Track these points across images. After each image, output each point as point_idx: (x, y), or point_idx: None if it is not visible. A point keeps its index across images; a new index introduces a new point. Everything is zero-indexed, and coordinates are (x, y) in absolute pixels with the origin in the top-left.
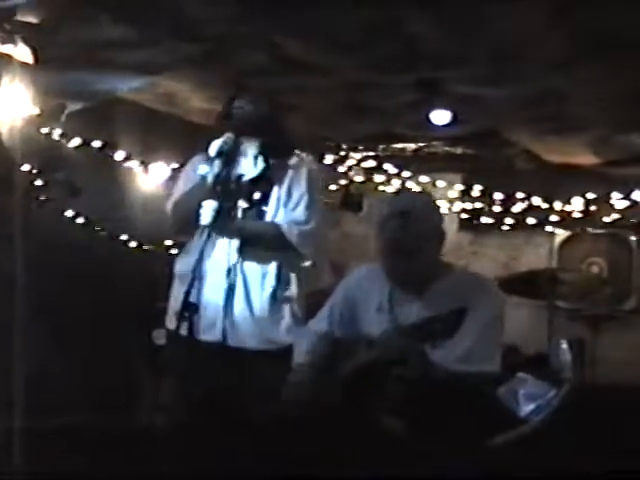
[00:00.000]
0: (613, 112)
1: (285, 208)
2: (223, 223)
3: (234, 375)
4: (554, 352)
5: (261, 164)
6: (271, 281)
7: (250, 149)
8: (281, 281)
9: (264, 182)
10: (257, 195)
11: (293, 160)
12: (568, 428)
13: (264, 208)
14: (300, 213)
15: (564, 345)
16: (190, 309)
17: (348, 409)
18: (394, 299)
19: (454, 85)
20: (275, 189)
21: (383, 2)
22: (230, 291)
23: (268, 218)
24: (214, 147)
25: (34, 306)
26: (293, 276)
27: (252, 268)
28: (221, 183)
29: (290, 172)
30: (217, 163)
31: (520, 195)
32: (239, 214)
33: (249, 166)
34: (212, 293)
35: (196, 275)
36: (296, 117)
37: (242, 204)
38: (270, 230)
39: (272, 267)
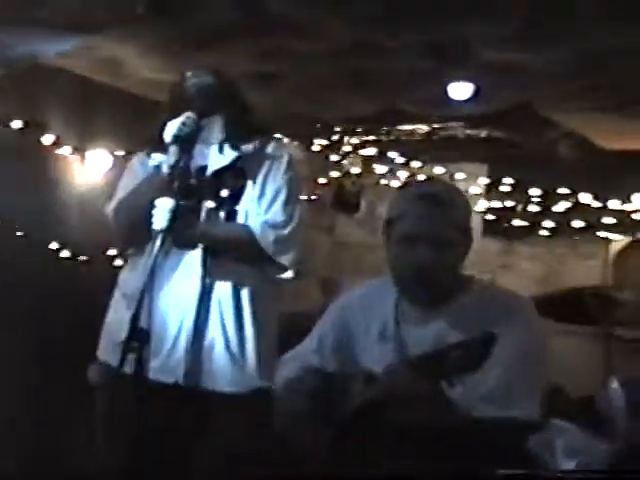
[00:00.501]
0: None
1: (258, 206)
2: (182, 228)
3: (196, 424)
4: (603, 394)
5: (230, 151)
6: (245, 302)
7: (216, 132)
8: (257, 301)
9: (235, 174)
10: (226, 191)
11: (271, 146)
12: None
13: (235, 207)
14: (277, 212)
15: (614, 385)
16: (139, 338)
17: (341, 463)
18: (402, 322)
19: (478, 48)
20: (249, 183)
21: None
22: (191, 315)
23: (241, 220)
24: (170, 130)
25: None
26: (271, 294)
27: (220, 286)
28: (179, 176)
29: (267, 161)
30: (174, 150)
31: (563, 191)
32: (203, 216)
33: (215, 154)
34: (167, 318)
35: (146, 295)
36: (277, 90)
37: (207, 203)
38: (240, 235)
39: (245, 283)
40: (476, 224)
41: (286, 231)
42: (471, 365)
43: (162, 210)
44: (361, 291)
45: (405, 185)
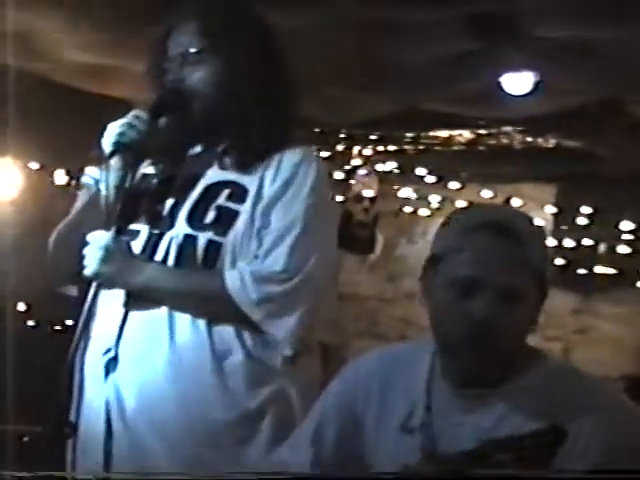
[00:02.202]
0: None
1: (257, 244)
2: (119, 272)
3: None
4: None
5: (227, 162)
6: (213, 374)
7: (202, 136)
8: (228, 375)
9: (229, 191)
10: (211, 214)
11: (292, 155)
12: None
13: (218, 238)
14: (278, 257)
15: None
16: (67, 435)
17: None
18: (435, 409)
19: (541, 26)
20: (248, 203)
21: None
22: (128, 394)
23: (226, 258)
24: (109, 136)
25: None
26: (253, 366)
27: (178, 347)
28: (125, 198)
29: (282, 176)
30: (115, 164)
31: None
32: (169, 252)
33: (195, 164)
34: (102, 401)
35: (75, 368)
36: None
37: (178, 231)
38: (205, 286)
39: (216, 348)
40: None
41: (283, 288)
42: (535, 465)
43: (94, 248)
44: (373, 362)
45: (450, 217)
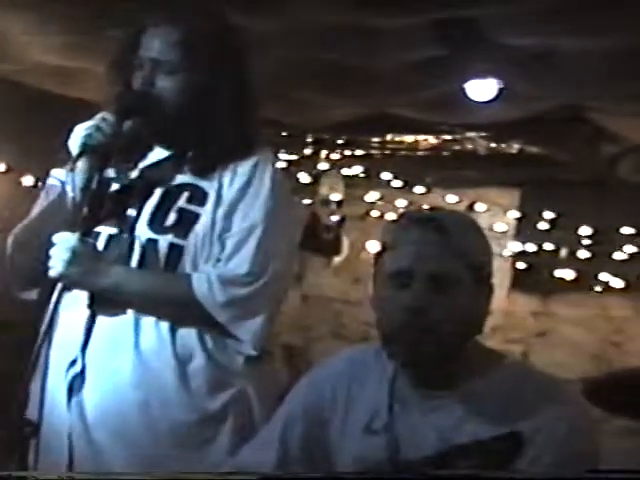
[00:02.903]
0: None
1: (219, 246)
2: (85, 274)
3: None
4: None
5: (183, 162)
6: (175, 376)
7: (163, 139)
8: (191, 377)
9: (188, 194)
10: (172, 216)
11: (248, 160)
12: None
13: (179, 241)
14: (241, 260)
15: None
16: (26, 432)
17: None
18: (398, 410)
19: (504, 33)
20: (208, 206)
21: None
22: (95, 396)
23: (187, 260)
24: (76, 138)
25: None
26: (217, 368)
27: (142, 349)
28: (90, 200)
29: (240, 179)
30: (82, 166)
31: (627, 230)
32: (131, 254)
33: (157, 169)
34: (63, 402)
35: (36, 371)
36: None
37: (138, 234)
38: (172, 288)
39: (180, 351)
40: (503, 275)
41: (248, 290)
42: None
43: (60, 249)
44: (341, 363)
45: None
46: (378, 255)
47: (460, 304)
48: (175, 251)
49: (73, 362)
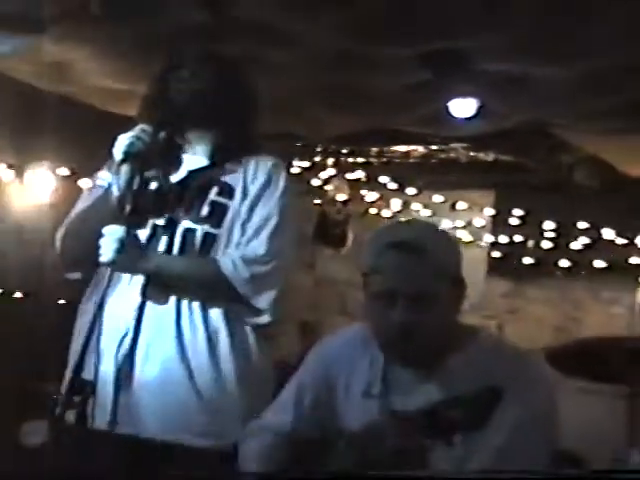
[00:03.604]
0: None
1: (241, 234)
2: (132, 259)
3: None
4: (624, 466)
5: (214, 167)
6: (207, 344)
7: (194, 145)
8: (221, 345)
9: (218, 189)
10: (205, 209)
11: (268, 165)
12: None
13: (215, 232)
14: (260, 244)
15: (637, 457)
16: (83, 390)
17: None
18: (391, 378)
19: (483, 60)
20: (235, 201)
21: None
22: (140, 361)
23: (220, 247)
24: (119, 146)
25: None
26: (242, 337)
27: (181, 324)
28: (134, 198)
29: (259, 180)
30: (125, 169)
31: (583, 224)
32: (173, 242)
33: (192, 169)
34: (115, 366)
35: (91, 339)
36: None
37: (178, 225)
38: (204, 270)
39: (213, 323)
40: (480, 262)
41: (266, 268)
42: (474, 422)
43: (109, 239)
44: (346, 337)
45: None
46: (365, 276)
47: (441, 313)
48: (209, 238)
49: (125, 335)
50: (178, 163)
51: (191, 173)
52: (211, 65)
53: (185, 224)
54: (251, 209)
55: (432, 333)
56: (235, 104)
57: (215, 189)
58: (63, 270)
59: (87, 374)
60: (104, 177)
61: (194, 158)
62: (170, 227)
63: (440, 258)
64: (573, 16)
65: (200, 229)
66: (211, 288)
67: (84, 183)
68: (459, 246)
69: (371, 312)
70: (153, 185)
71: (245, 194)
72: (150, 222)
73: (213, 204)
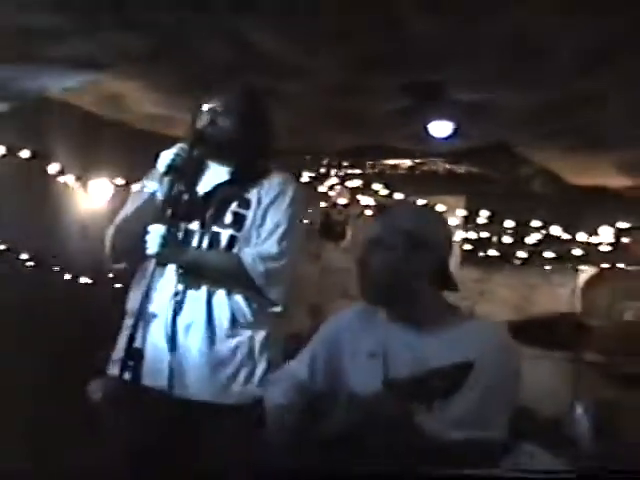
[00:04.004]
0: None
1: (257, 236)
2: (172, 253)
3: (188, 436)
4: (570, 418)
5: (235, 180)
6: (233, 323)
7: (219, 164)
8: (244, 323)
9: (240, 203)
10: (229, 217)
11: (278, 179)
12: None
13: (237, 234)
14: (272, 244)
15: (580, 410)
16: (135, 357)
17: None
18: (391, 343)
19: (457, 90)
20: (252, 211)
21: None
22: (180, 333)
23: (240, 248)
24: (163, 160)
25: None
26: (260, 318)
27: (211, 305)
28: (174, 204)
29: (272, 193)
30: (167, 180)
31: (536, 223)
32: (202, 242)
33: (218, 182)
34: (161, 337)
35: (141, 315)
36: None
37: (209, 228)
38: (230, 264)
39: (235, 306)
40: (454, 254)
41: (278, 264)
42: (448, 391)
43: (154, 236)
44: (354, 311)
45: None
46: None
47: (393, 260)
48: (232, 240)
49: (166, 313)
50: (206, 177)
51: (216, 187)
52: (236, 102)
53: (214, 229)
54: (264, 216)
55: (383, 274)
56: (254, 135)
57: (235, 202)
58: (110, 262)
59: (138, 343)
60: (150, 185)
61: (219, 174)
62: (201, 230)
63: (406, 221)
64: (531, 54)
65: (224, 233)
66: (233, 277)
67: (135, 190)
68: (430, 218)
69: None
70: (187, 194)
71: (259, 204)
72: (188, 224)
73: (234, 214)
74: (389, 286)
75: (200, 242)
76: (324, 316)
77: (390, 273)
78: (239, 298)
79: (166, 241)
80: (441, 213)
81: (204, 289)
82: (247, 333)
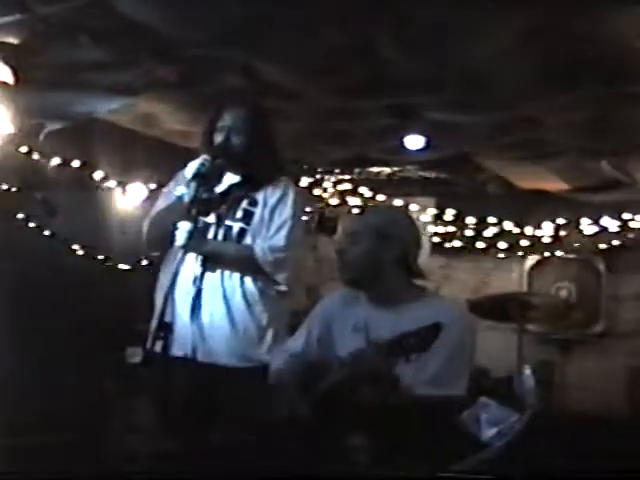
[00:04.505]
0: (582, 139)
1: (267, 231)
2: (197, 244)
3: (209, 393)
4: (518, 377)
5: (246, 185)
6: (245, 302)
7: (233, 169)
8: (254, 301)
9: (249, 202)
10: (240, 213)
11: (281, 184)
12: (530, 453)
13: (246, 227)
14: (280, 239)
15: (527, 371)
16: (165, 329)
17: (318, 428)
18: (369, 318)
19: (427, 111)
20: (259, 209)
21: (353, 27)
22: (201, 309)
23: (248, 238)
24: (190, 169)
25: (10, 324)
26: (267, 297)
27: (226, 286)
28: (197, 204)
29: (276, 194)
30: (193, 185)
31: (492, 220)
32: (217, 233)
33: (232, 186)
34: (185, 313)
35: (169, 295)
36: None
37: (225, 222)
38: (243, 254)
39: (247, 287)
40: (425, 245)
41: (284, 255)
42: (422, 347)
43: (182, 231)
44: (341, 294)
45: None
46: None
47: (364, 249)
48: (242, 232)
49: (191, 291)
50: (222, 179)
51: (230, 187)
52: (245, 119)
53: (227, 222)
54: (271, 213)
55: (357, 261)
56: (262, 149)
57: (246, 201)
58: (146, 249)
59: (167, 317)
60: (179, 189)
61: (233, 176)
62: (217, 224)
63: (374, 218)
64: (485, 83)
65: (236, 226)
66: (246, 264)
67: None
68: (395, 217)
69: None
70: (206, 195)
71: (265, 204)
72: (203, 220)
73: (244, 210)
74: (362, 272)
75: (216, 233)
76: (319, 296)
77: (362, 261)
78: (249, 281)
79: (191, 235)
80: (407, 213)
81: (219, 273)
82: (257, 309)
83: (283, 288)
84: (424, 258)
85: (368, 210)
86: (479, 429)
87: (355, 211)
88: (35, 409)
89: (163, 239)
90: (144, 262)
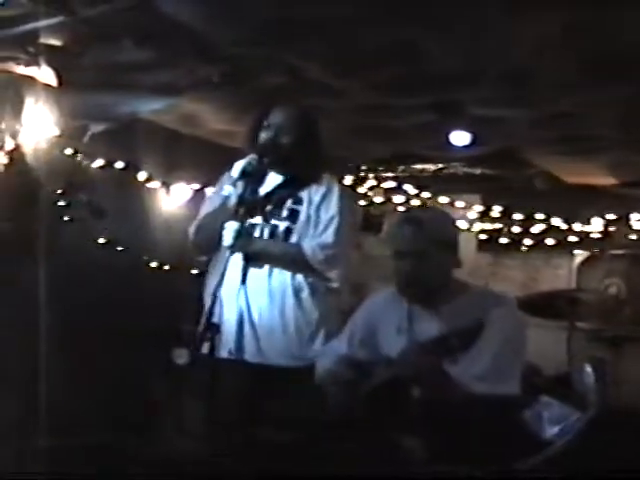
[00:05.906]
0: (631, 133)
1: (314, 229)
2: (245, 245)
3: (259, 394)
4: (578, 375)
5: (291, 184)
6: (296, 298)
7: (278, 169)
8: (304, 300)
9: (294, 202)
10: (285, 212)
11: (325, 181)
12: (593, 451)
13: (292, 226)
14: (328, 236)
15: (588, 368)
16: (212, 330)
17: (367, 428)
18: (413, 319)
19: (472, 107)
20: (304, 207)
21: (397, 24)
22: (250, 309)
23: (295, 237)
24: (237, 168)
25: (57, 326)
26: (318, 295)
27: (275, 285)
28: (244, 204)
29: (320, 191)
30: (240, 184)
31: (539, 216)
32: (266, 233)
33: (278, 186)
34: (233, 314)
35: (217, 296)
36: None
37: (271, 221)
38: (292, 253)
39: (297, 285)
40: (472, 242)
41: (334, 251)
42: (464, 346)
43: (229, 231)
44: (383, 296)
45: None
46: (385, 241)
47: (432, 267)
48: (288, 231)
49: (237, 293)
50: (265, 179)
51: (275, 187)
52: (295, 118)
53: (272, 222)
54: (317, 211)
55: (426, 280)
56: (308, 148)
57: (290, 200)
58: (195, 254)
59: (215, 319)
60: (226, 189)
61: (278, 177)
62: (262, 223)
63: (435, 229)
64: (532, 76)
65: (282, 225)
66: (295, 263)
67: (209, 193)
68: (451, 222)
69: (392, 269)
70: (252, 195)
71: (310, 202)
72: (249, 219)
73: (290, 209)
74: (433, 286)
75: (262, 233)
76: (364, 294)
77: (433, 276)
78: (299, 279)
79: (239, 234)
80: (448, 214)
81: (267, 273)
82: (308, 308)
83: (335, 285)
84: (471, 255)
85: (424, 221)
86: (541, 428)
87: (400, 209)
88: (84, 410)
89: (210, 242)
90: (190, 263)
